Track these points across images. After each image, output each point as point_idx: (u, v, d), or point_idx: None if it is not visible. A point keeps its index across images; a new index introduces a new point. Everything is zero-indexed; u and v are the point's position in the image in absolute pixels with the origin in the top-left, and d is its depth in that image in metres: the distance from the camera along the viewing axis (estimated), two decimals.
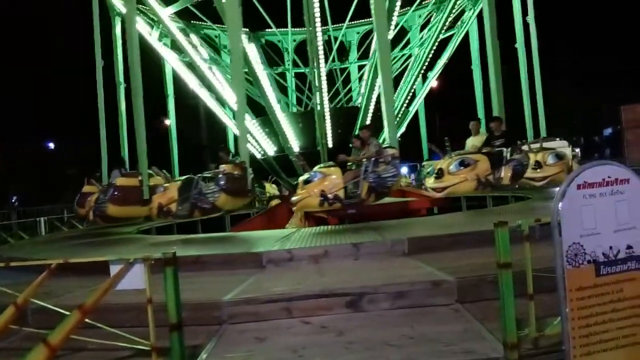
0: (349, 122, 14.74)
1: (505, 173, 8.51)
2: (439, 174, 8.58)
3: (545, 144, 11.77)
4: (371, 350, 3.13)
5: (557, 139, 14.22)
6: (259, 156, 17.13)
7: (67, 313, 2.99)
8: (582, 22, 36.42)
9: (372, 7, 10.55)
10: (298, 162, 8.30)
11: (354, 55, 19.75)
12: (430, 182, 8.90)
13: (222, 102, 16.64)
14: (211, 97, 16.72)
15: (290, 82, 19.15)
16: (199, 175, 8.23)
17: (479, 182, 8.37)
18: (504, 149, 8.68)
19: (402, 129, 18.03)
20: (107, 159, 14.58)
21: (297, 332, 3.64)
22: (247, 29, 18.23)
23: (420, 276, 4.34)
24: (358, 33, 19.62)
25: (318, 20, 12.72)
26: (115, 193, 9.88)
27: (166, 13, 14.70)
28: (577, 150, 13.92)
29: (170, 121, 17.79)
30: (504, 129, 9.21)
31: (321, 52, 13.18)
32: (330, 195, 7.62)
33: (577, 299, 2.49)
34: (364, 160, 7.96)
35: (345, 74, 19.38)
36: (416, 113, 19.58)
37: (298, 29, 18.32)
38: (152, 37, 16.02)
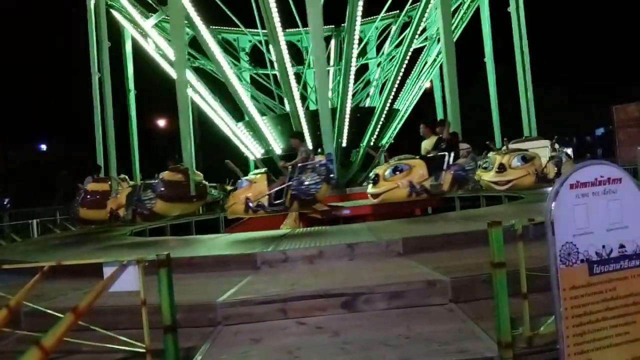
0: (363, 122, 14.95)
1: (446, 179, 8.22)
2: (375, 180, 8.49)
3: (522, 145, 11.29)
4: (367, 351, 3.13)
5: (540, 138, 13.89)
6: (252, 158, 17.14)
7: (61, 315, 2.97)
8: (574, 21, 36.64)
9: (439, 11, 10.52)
10: (230, 167, 8.10)
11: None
12: (369, 188, 8.78)
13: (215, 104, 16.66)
14: (216, 101, 16.73)
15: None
16: (142, 181, 8.28)
17: (413, 188, 8.07)
18: (446, 154, 8.41)
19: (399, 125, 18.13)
20: (103, 160, 14.52)
21: (292, 333, 3.64)
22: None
23: (415, 276, 4.35)
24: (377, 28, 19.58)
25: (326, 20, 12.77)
26: (87, 197, 10.26)
27: (149, 24, 14.83)
28: (566, 149, 13.56)
29: (131, 119, 17.20)
30: (453, 133, 9.07)
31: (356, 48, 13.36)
32: (252, 204, 7.59)
33: (570, 297, 2.51)
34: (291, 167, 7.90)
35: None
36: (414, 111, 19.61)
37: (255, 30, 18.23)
38: (148, 46, 16.07)
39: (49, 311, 3.36)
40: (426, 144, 8.97)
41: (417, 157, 8.63)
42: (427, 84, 19.31)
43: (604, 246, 2.58)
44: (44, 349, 2.77)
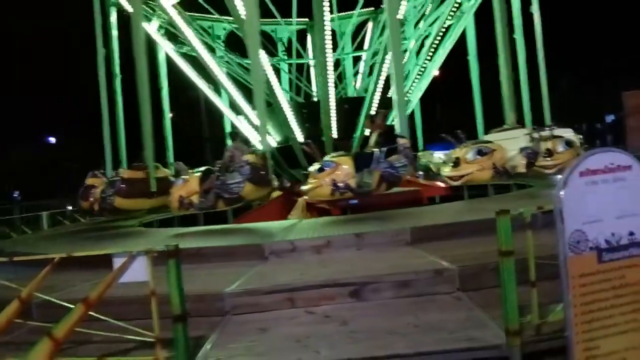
0: (354, 111, 14.75)
1: (374, 176, 7.92)
2: (308, 179, 8.41)
3: (499, 135, 11.27)
4: (375, 339, 3.14)
5: (520, 127, 13.87)
6: (260, 147, 17.13)
7: (71, 306, 3.00)
8: (583, 8, 36.14)
9: None
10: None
11: (348, 46, 19.61)
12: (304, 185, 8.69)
13: (219, 92, 16.59)
14: (210, 89, 16.65)
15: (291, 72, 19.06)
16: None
17: (336, 186, 7.82)
18: (375, 150, 8.12)
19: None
20: (111, 152, 14.60)
21: (300, 322, 3.66)
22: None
23: (423, 265, 4.35)
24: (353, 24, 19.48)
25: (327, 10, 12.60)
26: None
27: (169, 3, 14.58)
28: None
29: (165, 114, 17.54)
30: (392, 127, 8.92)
31: (329, 41, 13.09)
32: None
33: (579, 285, 2.50)
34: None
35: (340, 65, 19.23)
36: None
37: (288, 19, 18.15)
38: (150, 27, 15.93)
39: (60, 302, 3.39)
40: (371, 139, 8.76)
41: (348, 153, 8.35)
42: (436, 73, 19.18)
43: (613, 234, 2.57)
44: (55, 340, 2.80)
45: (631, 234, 2.59)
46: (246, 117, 15.84)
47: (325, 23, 12.71)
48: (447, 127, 9.77)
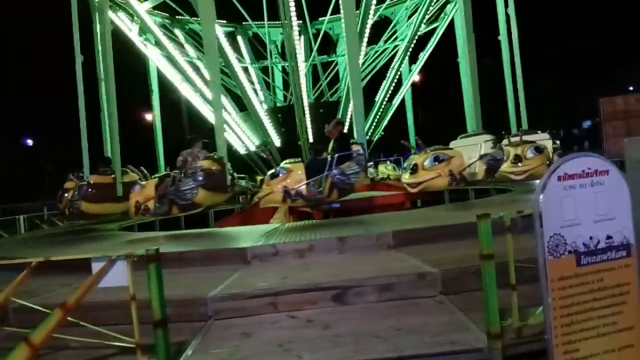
0: (329, 116, 14.75)
1: (325, 184, 7.82)
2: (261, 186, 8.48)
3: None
4: (358, 343, 3.15)
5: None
6: (242, 151, 17.08)
7: (49, 311, 2.94)
8: (561, 12, 36.85)
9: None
10: (265, 156, 8.15)
11: (341, 49, 19.69)
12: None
13: (205, 97, 16.51)
14: (194, 92, 16.58)
15: (275, 76, 19.08)
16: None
17: (287, 193, 7.81)
18: (328, 157, 7.98)
19: (385, 122, 18.12)
20: (89, 155, 14.39)
21: (283, 326, 3.65)
22: (234, 23, 18.04)
23: (405, 269, 4.37)
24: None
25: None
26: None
27: (143, 8, 14.49)
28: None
29: (155, 118, 17.49)
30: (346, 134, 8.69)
31: (299, 45, 13.10)
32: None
33: (558, 288, 2.53)
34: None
35: (334, 68, 19.30)
36: (402, 106, 19.66)
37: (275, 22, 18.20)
38: (132, 32, 15.79)
39: (37, 307, 3.33)
40: (331, 146, 8.63)
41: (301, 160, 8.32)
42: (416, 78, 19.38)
43: (591, 237, 2.61)
44: (32, 345, 2.74)
45: (609, 237, 2.63)
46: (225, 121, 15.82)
47: (294, 27, 12.75)
48: (427, 132, 9.82)
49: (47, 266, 3.20)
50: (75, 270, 4.68)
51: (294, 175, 7.74)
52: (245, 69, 18.48)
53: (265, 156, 9.97)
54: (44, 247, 7.95)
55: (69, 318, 2.97)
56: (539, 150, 10.38)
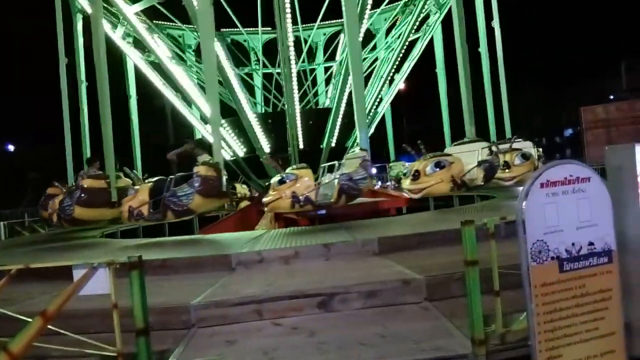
0: (319, 123, 14.76)
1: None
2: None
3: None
4: (343, 350, 3.13)
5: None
6: (228, 157, 17.00)
7: (29, 320, 2.88)
8: (543, 23, 37.50)
9: (343, 7, 10.42)
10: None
11: (320, 56, 19.80)
12: None
13: (188, 102, 16.40)
14: (177, 97, 16.47)
15: (259, 82, 19.06)
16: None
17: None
18: (167, 178, 8.07)
19: (371, 131, 18.18)
20: (72, 160, 14.24)
21: (268, 334, 3.62)
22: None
23: (390, 275, 4.38)
24: (325, 34, 19.67)
25: (289, 19, 12.62)
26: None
27: (132, 11, 14.36)
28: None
29: (133, 122, 17.28)
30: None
31: (292, 52, 13.08)
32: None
33: (541, 294, 2.55)
34: None
35: (313, 75, 19.36)
36: (382, 116, 19.79)
37: (266, 29, 18.22)
38: (115, 35, 15.67)
39: (17, 315, 3.26)
40: None
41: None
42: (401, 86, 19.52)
43: (573, 244, 2.64)
44: (11, 354, 2.68)
45: (590, 244, 2.67)
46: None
47: (289, 34, 12.76)
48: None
49: (27, 273, 3.15)
50: (56, 278, 4.60)
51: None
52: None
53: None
54: (24, 254, 7.81)
55: (49, 326, 2.91)
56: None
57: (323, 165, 8.86)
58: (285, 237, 6.61)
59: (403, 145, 12.16)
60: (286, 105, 13.45)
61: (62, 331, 3.11)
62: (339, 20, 18.43)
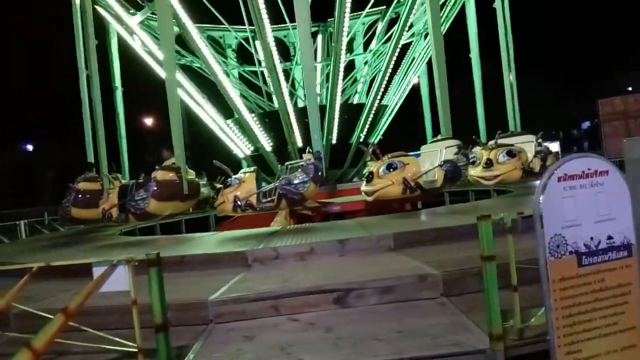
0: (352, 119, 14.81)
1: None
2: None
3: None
4: (359, 346, 3.14)
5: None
6: (242, 155, 17.07)
7: (51, 316, 2.94)
8: (560, 15, 36.93)
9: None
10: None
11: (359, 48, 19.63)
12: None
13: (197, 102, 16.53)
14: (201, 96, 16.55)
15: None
16: (133, 181, 8.42)
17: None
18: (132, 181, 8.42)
19: (384, 126, 18.12)
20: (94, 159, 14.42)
21: (285, 329, 3.64)
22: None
23: (406, 271, 4.37)
24: (364, 24, 19.52)
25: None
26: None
27: (135, 21, 14.63)
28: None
29: (118, 116, 17.00)
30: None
31: (344, 46, 13.20)
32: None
33: (560, 289, 2.53)
34: None
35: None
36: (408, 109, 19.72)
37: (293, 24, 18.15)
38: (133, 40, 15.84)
39: (38, 312, 3.33)
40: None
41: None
42: (415, 80, 19.35)
43: (592, 238, 2.61)
44: (34, 351, 2.74)
45: (609, 237, 2.64)
46: (236, 123, 15.87)
47: (267, 31, 12.77)
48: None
49: (48, 271, 3.21)
50: (76, 276, 4.69)
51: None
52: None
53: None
54: (45, 252, 7.95)
55: (70, 323, 2.97)
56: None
57: (287, 163, 8.70)
58: (301, 233, 6.63)
59: (359, 146, 11.73)
60: (328, 100, 13.59)
61: (83, 327, 3.17)
62: (370, 10, 18.16)
